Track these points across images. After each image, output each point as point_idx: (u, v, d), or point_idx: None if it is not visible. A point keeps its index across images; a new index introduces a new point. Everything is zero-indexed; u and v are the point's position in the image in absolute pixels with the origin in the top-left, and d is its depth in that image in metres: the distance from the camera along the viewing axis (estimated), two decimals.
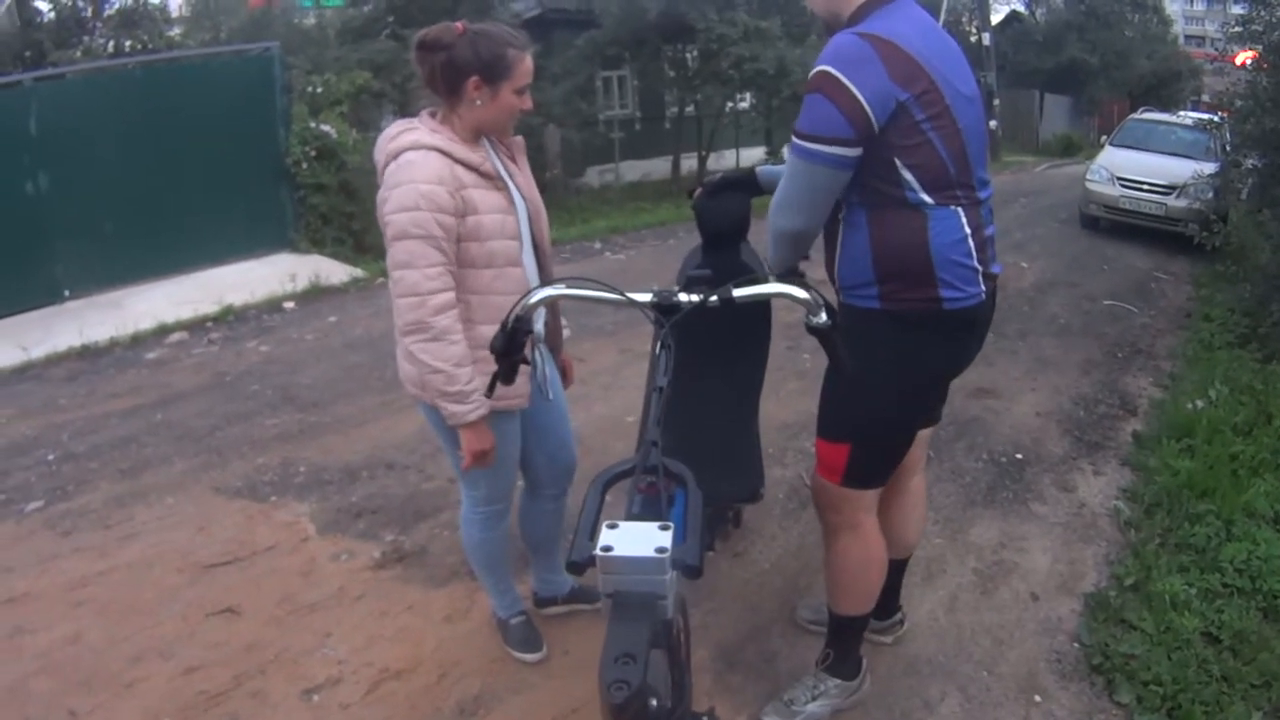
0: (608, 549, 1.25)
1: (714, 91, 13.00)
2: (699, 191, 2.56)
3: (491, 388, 1.81)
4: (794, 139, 1.88)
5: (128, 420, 4.38)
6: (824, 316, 1.68)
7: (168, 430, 4.23)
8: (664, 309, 1.69)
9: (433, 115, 2.05)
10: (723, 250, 2.53)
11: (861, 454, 2.11)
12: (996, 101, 20.38)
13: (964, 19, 21.38)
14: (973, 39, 19.57)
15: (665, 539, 1.26)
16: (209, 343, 5.64)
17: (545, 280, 2.24)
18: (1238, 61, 12.28)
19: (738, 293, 1.70)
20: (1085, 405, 4.81)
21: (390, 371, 4.94)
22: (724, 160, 14.80)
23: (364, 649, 2.61)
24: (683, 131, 14.46)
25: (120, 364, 5.30)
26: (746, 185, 2.51)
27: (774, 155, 14.56)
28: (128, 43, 11.06)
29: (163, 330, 5.83)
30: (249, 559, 3.09)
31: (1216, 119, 9.30)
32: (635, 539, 1.27)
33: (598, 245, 8.96)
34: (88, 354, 5.47)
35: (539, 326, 2.27)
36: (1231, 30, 7.54)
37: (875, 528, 2.24)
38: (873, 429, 2.09)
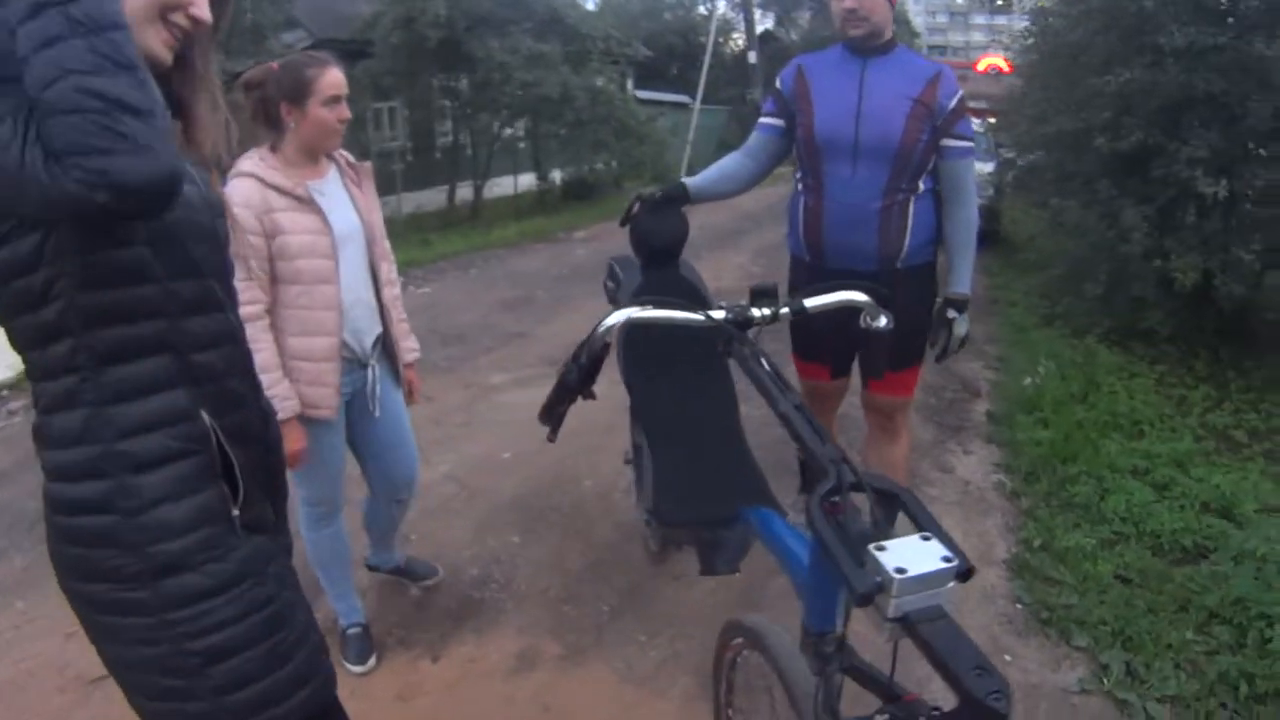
0: (902, 570, 1.10)
1: (489, 119, 12.77)
2: (638, 208, 2.52)
3: (556, 429, 1.80)
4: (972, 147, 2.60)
5: None
6: (884, 320, 1.74)
7: None
8: (739, 324, 1.71)
9: (271, 149, 2.22)
10: (664, 268, 2.50)
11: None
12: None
13: (731, 36, 22.71)
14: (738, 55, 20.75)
15: (942, 549, 1.14)
16: (9, 414, 4.87)
17: (379, 300, 2.44)
18: (979, 68, 13.56)
19: (809, 303, 1.75)
20: (934, 392, 5.06)
21: None
22: (498, 188, 14.41)
23: None
24: (457, 160, 13.98)
25: None
26: (681, 199, 2.56)
27: (544, 181, 14.76)
28: None
29: None
30: None
31: (988, 123, 10.06)
32: (917, 555, 1.13)
33: (400, 280, 8.54)
34: None
35: (368, 342, 2.42)
36: (1025, 42, 8.40)
37: None
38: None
